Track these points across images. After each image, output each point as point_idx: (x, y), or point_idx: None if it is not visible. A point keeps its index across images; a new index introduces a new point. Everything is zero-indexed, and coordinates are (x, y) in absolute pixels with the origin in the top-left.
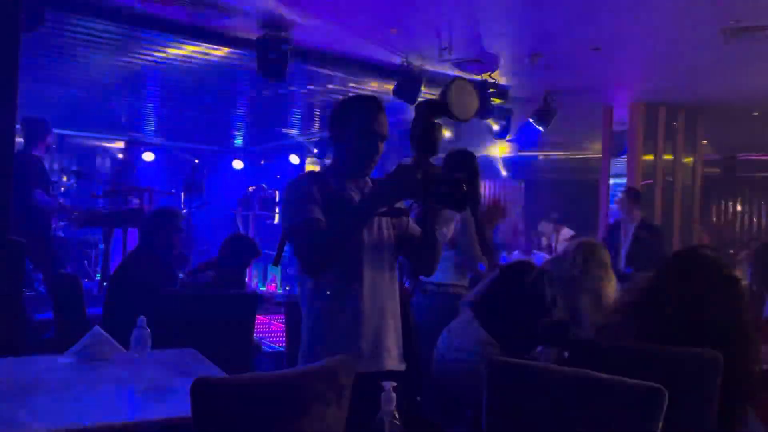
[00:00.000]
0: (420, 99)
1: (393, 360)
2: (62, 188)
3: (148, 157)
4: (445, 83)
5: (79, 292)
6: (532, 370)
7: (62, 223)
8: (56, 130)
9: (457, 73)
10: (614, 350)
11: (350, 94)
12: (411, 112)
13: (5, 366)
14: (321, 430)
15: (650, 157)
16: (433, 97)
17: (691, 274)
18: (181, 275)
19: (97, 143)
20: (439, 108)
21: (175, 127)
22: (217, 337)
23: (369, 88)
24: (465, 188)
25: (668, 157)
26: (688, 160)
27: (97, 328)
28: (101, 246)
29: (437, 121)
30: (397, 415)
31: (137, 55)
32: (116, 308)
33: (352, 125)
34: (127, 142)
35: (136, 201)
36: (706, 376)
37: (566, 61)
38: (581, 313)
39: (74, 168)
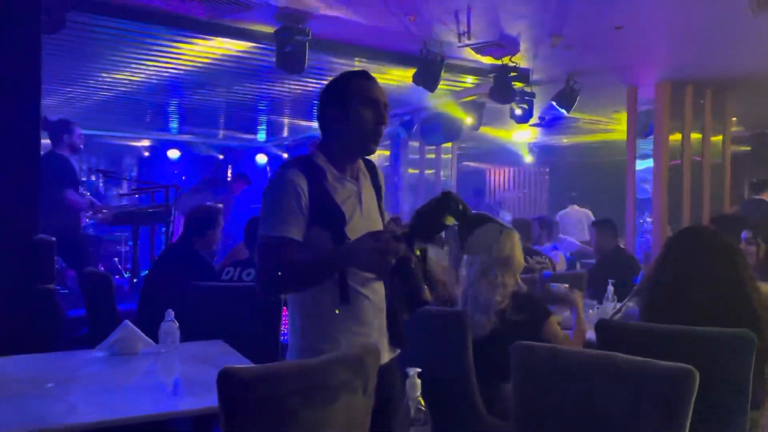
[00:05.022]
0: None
1: (387, 352)
2: (95, 187)
3: (174, 154)
4: (481, 219)
5: (110, 289)
6: (561, 353)
7: (92, 222)
8: (84, 131)
9: (476, 57)
10: (644, 332)
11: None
12: (422, 102)
13: (40, 361)
14: (348, 418)
15: (678, 137)
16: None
17: (687, 250)
18: (229, 269)
19: (124, 142)
20: (463, 227)
21: (199, 123)
22: (246, 328)
23: (389, 77)
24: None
25: (696, 135)
26: (717, 138)
27: (126, 322)
28: (131, 243)
29: (450, 223)
30: (422, 402)
31: (157, 53)
32: (153, 302)
33: (353, 98)
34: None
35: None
36: (739, 356)
37: (588, 42)
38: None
39: (101, 167)
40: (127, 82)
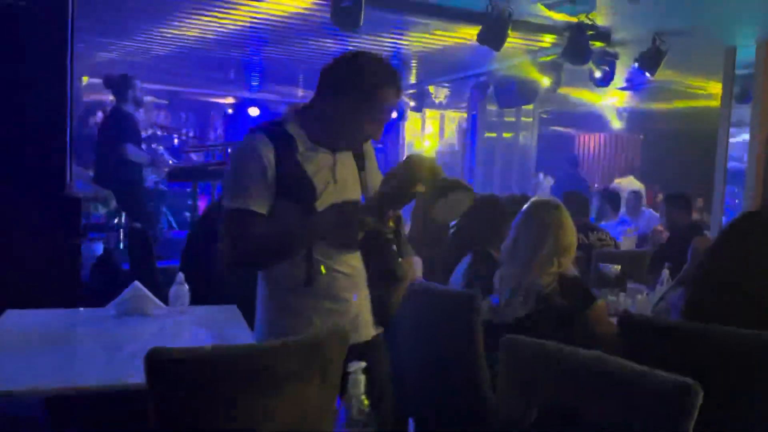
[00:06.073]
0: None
1: (369, 329)
2: (169, 143)
3: (254, 112)
4: (452, 185)
5: (149, 246)
6: (551, 351)
7: (156, 178)
8: (169, 87)
9: (547, 14)
10: (673, 330)
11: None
12: (496, 63)
13: (52, 316)
14: (300, 409)
15: None
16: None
17: (745, 239)
18: None
19: (212, 99)
20: (432, 193)
21: (278, 82)
22: None
23: (459, 36)
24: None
25: None
26: None
27: (136, 283)
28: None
29: (420, 191)
30: (365, 400)
31: (225, 11)
32: (192, 260)
33: (373, 106)
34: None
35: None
36: None
37: None
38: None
39: (189, 122)
40: (186, 37)
